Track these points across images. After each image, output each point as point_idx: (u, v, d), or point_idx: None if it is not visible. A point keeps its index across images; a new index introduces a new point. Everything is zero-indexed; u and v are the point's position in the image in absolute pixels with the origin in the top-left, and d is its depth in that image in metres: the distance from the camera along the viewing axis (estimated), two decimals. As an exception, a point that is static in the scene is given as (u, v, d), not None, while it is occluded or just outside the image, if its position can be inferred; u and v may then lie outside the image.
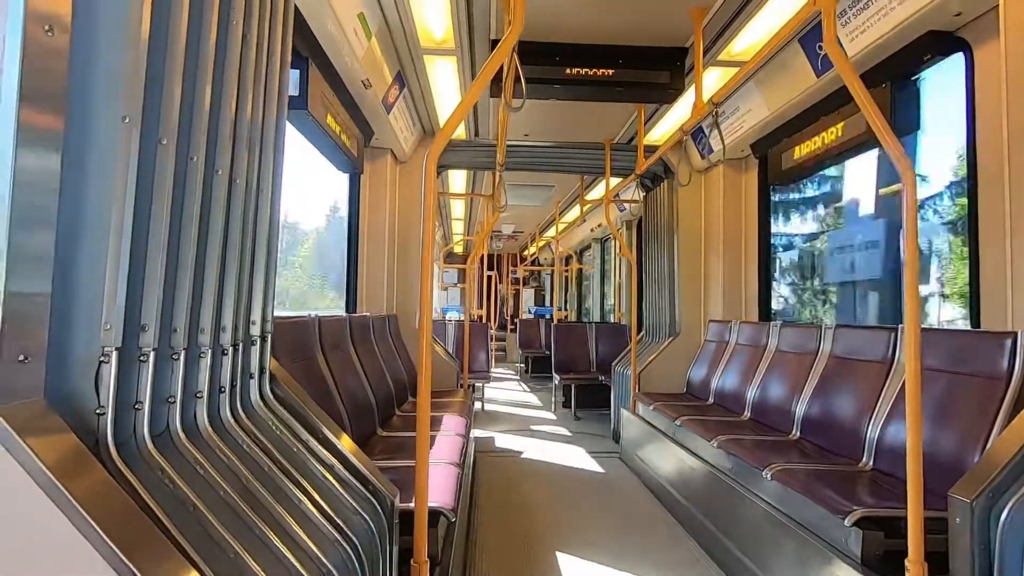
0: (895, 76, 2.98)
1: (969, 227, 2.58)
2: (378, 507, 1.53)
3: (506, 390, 9.10)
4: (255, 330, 1.46)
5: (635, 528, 3.37)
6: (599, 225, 9.11)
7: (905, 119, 2.99)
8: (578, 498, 3.92)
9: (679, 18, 3.23)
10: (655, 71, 3.55)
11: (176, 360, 1.17)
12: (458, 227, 11.51)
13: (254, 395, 1.46)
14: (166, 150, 1.10)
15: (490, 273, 13.80)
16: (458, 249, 12.97)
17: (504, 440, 5.60)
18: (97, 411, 0.98)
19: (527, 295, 15.64)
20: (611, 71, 3.49)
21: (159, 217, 1.09)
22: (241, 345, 1.40)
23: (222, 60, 1.28)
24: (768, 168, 4.45)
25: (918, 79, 3.01)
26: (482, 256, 12.89)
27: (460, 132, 5.21)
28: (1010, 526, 1.51)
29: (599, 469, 4.68)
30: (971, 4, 2.46)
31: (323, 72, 3.13)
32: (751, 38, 3.39)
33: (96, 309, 0.98)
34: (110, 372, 0.99)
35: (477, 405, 7.27)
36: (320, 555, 1.20)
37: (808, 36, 3.25)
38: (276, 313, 1.66)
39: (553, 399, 7.52)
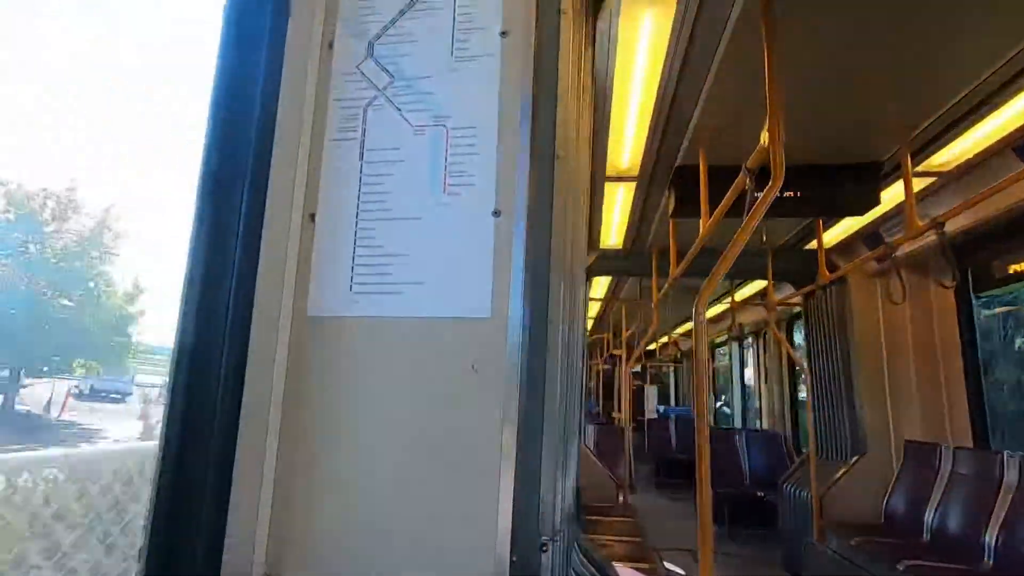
0: None
1: None
2: None
3: (640, 496, 8.55)
4: None
5: None
6: (738, 324, 8.73)
7: None
8: None
9: (881, 135, 3.17)
10: (849, 187, 3.46)
11: None
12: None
13: None
14: None
15: (606, 367, 13.46)
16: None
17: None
18: None
19: (649, 392, 15.02)
20: (801, 192, 3.44)
21: None
22: None
23: None
24: (971, 275, 4.08)
25: None
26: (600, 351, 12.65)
27: (616, 242, 5.34)
28: None
29: None
30: None
31: None
32: (957, 149, 3.25)
33: None
34: None
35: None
36: None
37: None
38: None
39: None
